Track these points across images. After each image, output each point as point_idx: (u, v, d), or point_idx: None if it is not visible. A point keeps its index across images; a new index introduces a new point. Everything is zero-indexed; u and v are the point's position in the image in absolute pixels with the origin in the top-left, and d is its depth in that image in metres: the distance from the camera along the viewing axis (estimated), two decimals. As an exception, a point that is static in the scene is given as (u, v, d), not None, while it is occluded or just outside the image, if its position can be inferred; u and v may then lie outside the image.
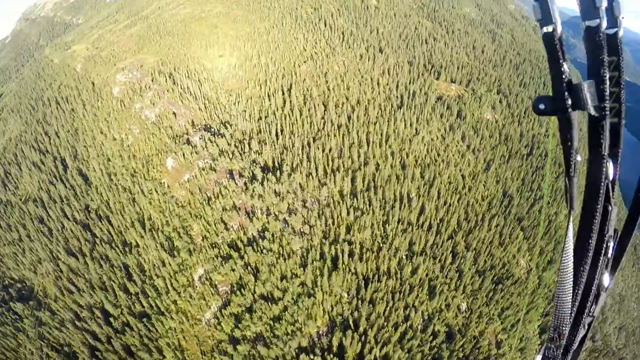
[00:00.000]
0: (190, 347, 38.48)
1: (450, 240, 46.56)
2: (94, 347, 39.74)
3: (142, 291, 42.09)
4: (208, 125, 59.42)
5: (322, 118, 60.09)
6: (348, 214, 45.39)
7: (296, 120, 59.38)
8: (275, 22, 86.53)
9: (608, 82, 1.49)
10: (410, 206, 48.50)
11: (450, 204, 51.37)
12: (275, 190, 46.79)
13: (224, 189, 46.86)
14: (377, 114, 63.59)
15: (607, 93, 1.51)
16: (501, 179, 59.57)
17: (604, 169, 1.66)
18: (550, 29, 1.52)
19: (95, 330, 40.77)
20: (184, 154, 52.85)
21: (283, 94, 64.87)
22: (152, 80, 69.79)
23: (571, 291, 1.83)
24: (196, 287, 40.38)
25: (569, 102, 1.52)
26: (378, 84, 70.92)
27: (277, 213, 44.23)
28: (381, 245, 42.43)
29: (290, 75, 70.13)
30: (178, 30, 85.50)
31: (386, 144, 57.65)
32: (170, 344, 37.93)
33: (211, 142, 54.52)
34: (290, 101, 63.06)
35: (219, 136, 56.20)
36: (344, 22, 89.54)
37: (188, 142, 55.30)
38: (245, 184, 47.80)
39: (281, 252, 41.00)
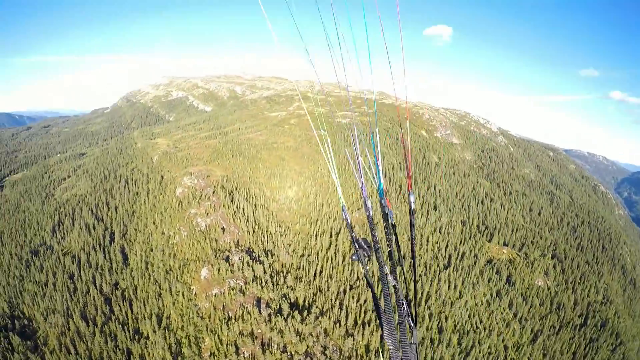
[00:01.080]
0: None
1: None
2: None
3: None
4: (251, 249, 66.71)
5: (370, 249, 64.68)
6: (370, 372, 46.59)
7: (337, 264, 64.12)
8: (339, 166, 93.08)
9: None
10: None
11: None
12: (297, 330, 49.85)
13: (247, 314, 51.27)
14: (421, 271, 65.71)
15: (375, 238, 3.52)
16: (549, 352, 57.05)
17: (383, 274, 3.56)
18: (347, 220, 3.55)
19: None
20: (219, 269, 59.45)
21: (331, 236, 70.55)
22: (213, 192, 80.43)
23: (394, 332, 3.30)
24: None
25: (357, 246, 3.65)
26: (427, 241, 73.84)
27: (293, 352, 46.97)
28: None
29: (342, 220, 74.33)
30: (249, 154, 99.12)
31: (425, 304, 58.91)
32: None
33: (249, 265, 60.81)
34: (336, 245, 68.55)
35: (258, 262, 62.38)
36: (404, 175, 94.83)
37: (227, 259, 62.39)
38: (269, 315, 51.62)
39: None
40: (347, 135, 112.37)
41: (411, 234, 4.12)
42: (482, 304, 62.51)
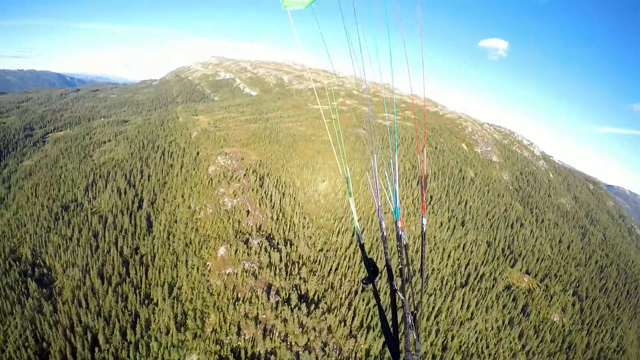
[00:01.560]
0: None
1: None
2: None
3: (137, 342, 47.37)
4: (271, 236, 67.65)
5: (380, 272, 64.24)
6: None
7: (354, 264, 64.01)
8: (355, 177, 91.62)
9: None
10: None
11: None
12: (301, 322, 50.39)
13: (255, 297, 52.26)
14: (436, 285, 64.97)
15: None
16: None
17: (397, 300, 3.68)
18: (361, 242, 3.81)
19: (77, 347, 45.90)
20: (237, 250, 60.61)
21: (352, 235, 70.26)
22: (245, 175, 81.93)
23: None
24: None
25: (370, 277, 3.93)
26: (449, 256, 73.00)
27: (293, 343, 47.59)
28: None
29: (367, 221, 75.81)
30: (286, 142, 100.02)
31: (434, 319, 58.45)
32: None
33: (266, 251, 61.79)
34: (356, 245, 67.33)
35: (276, 249, 63.27)
36: (437, 186, 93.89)
37: (246, 241, 63.38)
38: (277, 302, 52.41)
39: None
40: (384, 137, 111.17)
41: (422, 255, 4.45)
42: (492, 329, 61.49)
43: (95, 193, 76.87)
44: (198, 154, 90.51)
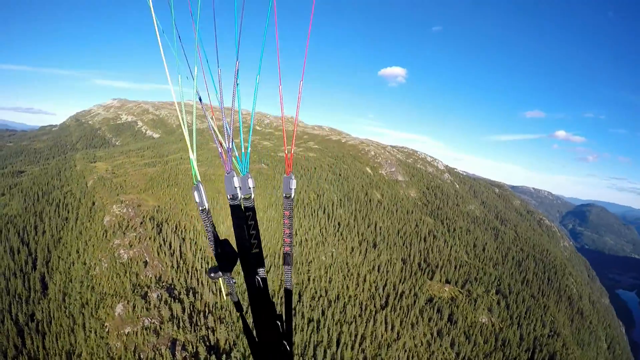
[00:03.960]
0: None
1: None
2: None
3: None
4: (172, 286, 70.28)
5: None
6: None
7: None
8: (276, 201, 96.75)
9: (246, 233, 2.69)
10: None
11: None
12: None
13: (159, 356, 54.79)
14: (356, 312, 66.15)
15: (246, 243, 2.74)
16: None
17: (256, 283, 2.79)
18: (204, 207, 2.55)
19: None
20: (134, 306, 63.16)
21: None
22: (141, 223, 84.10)
23: None
24: None
25: (219, 252, 2.72)
26: (364, 280, 75.06)
27: None
28: None
29: (273, 257, 78.36)
30: (185, 184, 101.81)
31: (359, 347, 59.38)
32: None
33: (166, 304, 64.24)
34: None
35: (177, 301, 65.48)
36: (344, 212, 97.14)
37: (145, 296, 66.35)
38: (184, 358, 54.60)
39: None
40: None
41: (286, 225, 2.88)
42: (422, 344, 62.89)
43: (-12, 257, 75.58)
44: (94, 204, 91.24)
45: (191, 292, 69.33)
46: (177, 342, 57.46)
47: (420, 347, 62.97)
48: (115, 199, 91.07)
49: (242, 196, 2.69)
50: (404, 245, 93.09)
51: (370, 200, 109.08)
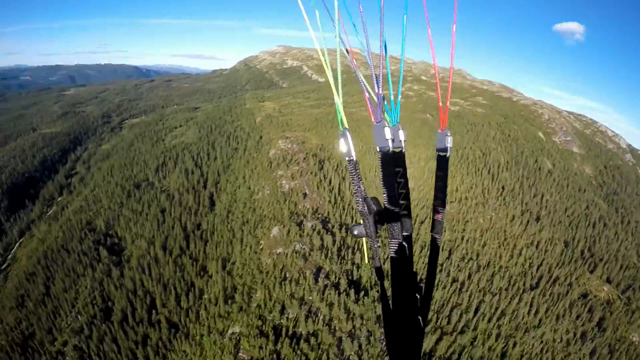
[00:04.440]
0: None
1: None
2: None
3: (188, 309, 51.69)
4: (327, 219, 68.18)
5: (441, 265, 60.79)
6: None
7: (413, 253, 61.67)
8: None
9: (396, 191, 2.29)
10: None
11: None
12: (348, 308, 49.41)
13: (303, 279, 53.22)
14: (502, 285, 60.04)
15: (394, 202, 2.28)
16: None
17: (398, 249, 2.40)
18: (351, 157, 2.20)
19: (137, 308, 51.16)
20: (289, 231, 62.14)
21: (414, 223, 67.59)
22: (304, 159, 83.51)
23: None
24: (224, 339, 46.51)
25: (365, 209, 2.30)
26: (520, 254, 67.49)
27: (337, 328, 47.13)
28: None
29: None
30: (351, 127, 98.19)
31: (496, 322, 53.87)
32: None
33: (319, 234, 62.33)
34: (417, 234, 66.56)
35: (329, 233, 63.55)
36: (509, 176, 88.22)
37: (300, 224, 64.76)
38: (325, 286, 52.63)
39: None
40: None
41: (439, 188, 2.57)
42: (561, 341, 53.84)
43: (165, 173, 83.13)
44: (261, 138, 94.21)
45: (343, 227, 66.15)
46: (322, 270, 55.43)
47: (558, 344, 52.66)
48: (281, 135, 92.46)
49: (393, 149, 2.25)
50: (569, 226, 78.51)
51: (539, 169, 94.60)
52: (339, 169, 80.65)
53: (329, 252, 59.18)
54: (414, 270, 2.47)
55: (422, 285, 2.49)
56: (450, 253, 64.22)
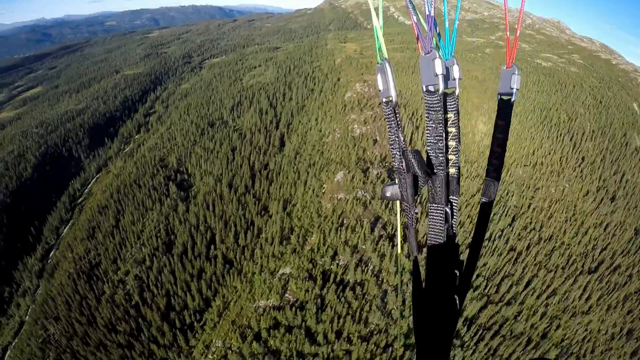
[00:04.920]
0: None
1: None
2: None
3: (244, 247, 53.68)
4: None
5: (501, 230, 57.63)
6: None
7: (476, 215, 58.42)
8: (523, 110, 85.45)
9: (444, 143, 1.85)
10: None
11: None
12: (399, 261, 49.05)
13: (359, 227, 52.39)
14: (560, 263, 56.27)
15: (440, 157, 1.87)
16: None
17: (441, 216, 1.95)
18: (389, 98, 1.85)
19: (197, 242, 53.64)
20: (353, 177, 60.94)
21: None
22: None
23: None
24: (274, 279, 47.63)
25: (403, 166, 1.92)
26: (586, 233, 62.04)
27: (384, 280, 46.96)
28: None
29: (505, 172, 68.88)
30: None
31: (545, 300, 50.97)
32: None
33: (383, 183, 60.22)
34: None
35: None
36: (592, 147, 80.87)
37: (365, 171, 63.04)
38: (380, 237, 51.68)
39: (354, 316, 42.17)
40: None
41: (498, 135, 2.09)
42: (605, 333, 49.39)
43: (240, 112, 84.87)
44: (339, 80, 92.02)
45: (410, 178, 62.86)
46: (380, 220, 54.08)
47: (602, 336, 48.33)
48: (359, 78, 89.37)
49: (444, 90, 1.86)
50: (649, 212, 68.59)
51: (626, 144, 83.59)
52: (413, 117, 76.69)
53: (391, 202, 57.30)
54: (456, 243, 2.03)
55: (464, 259, 2.06)
56: (513, 220, 60.50)
